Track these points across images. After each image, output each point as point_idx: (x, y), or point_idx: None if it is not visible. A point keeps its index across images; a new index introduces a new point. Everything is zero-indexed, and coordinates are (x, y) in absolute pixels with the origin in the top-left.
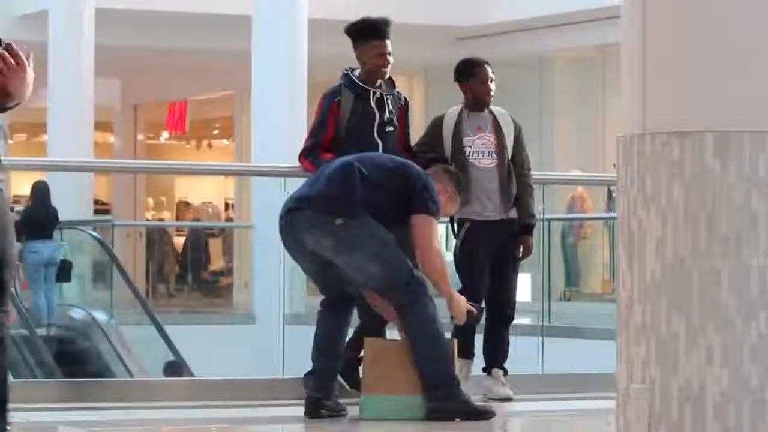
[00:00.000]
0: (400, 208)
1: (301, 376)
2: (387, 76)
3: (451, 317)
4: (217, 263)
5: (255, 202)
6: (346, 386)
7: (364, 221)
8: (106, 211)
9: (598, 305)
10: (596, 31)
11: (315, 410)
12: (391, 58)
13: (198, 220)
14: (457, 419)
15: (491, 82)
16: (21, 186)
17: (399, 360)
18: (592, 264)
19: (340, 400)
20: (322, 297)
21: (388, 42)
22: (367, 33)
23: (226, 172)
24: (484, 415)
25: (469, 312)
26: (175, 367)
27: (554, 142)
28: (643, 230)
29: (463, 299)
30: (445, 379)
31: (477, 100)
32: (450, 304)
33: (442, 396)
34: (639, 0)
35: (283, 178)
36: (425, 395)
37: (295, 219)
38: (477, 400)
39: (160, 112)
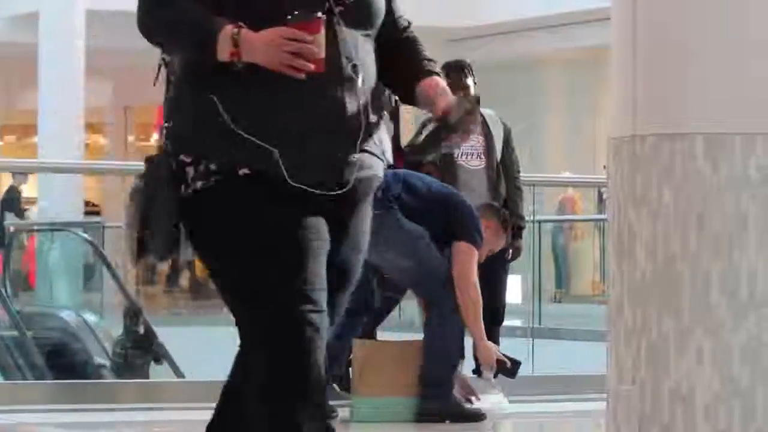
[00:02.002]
0: (436, 235)
1: None
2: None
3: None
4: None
5: None
6: (337, 388)
7: (393, 220)
8: (97, 213)
9: (588, 307)
10: (588, 33)
11: None
12: None
13: None
14: (447, 421)
15: (465, 89)
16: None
17: (389, 362)
18: (583, 266)
19: (331, 403)
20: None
21: None
22: None
23: None
24: (475, 418)
25: (500, 362)
26: (134, 313)
27: (545, 143)
28: (633, 232)
29: (494, 347)
30: (446, 380)
31: None
32: (477, 344)
33: (437, 397)
34: (629, 1)
35: None
36: (421, 393)
37: None
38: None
39: (152, 114)
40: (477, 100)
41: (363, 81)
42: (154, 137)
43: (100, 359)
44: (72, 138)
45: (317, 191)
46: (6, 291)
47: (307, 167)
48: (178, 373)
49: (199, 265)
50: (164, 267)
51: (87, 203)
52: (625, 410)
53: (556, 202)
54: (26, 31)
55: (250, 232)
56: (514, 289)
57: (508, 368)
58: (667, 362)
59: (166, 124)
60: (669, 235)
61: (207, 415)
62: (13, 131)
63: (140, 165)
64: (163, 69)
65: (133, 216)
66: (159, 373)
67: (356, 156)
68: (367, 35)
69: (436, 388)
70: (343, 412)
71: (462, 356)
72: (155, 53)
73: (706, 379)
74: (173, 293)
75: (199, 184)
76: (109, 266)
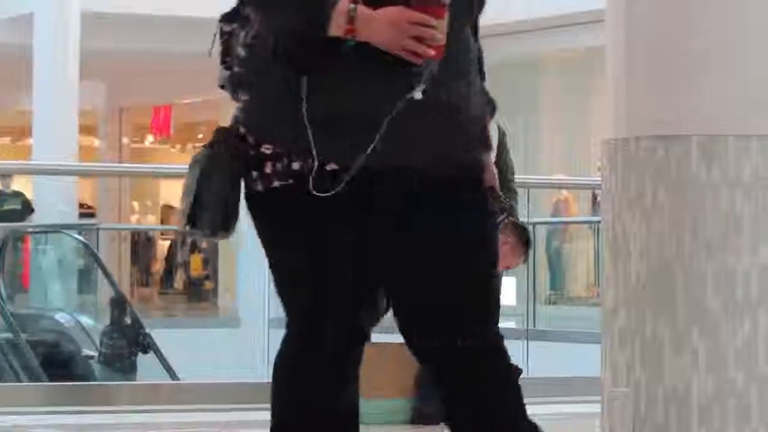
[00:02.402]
0: None
1: None
2: None
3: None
4: (201, 267)
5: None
6: None
7: None
8: (91, 215)
9: (582, 309)
10: (583, 35)
11: None
12: None
13: None
14: (442, 423)
15: None
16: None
17: (384, 363)
18: (577, 267)
19: None
20: None
21: None
22: None
23: None
24: None
25: None
26: (121, 304)
27: (540, 145)
28: (627, 234)
29: None
30: None
31: None
32: None
33: (434, 398)
34: (622, 3)
35: None
36: (415, 397)
37: None
38: None
39: (146, 116)
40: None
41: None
42: (149, 139)
43: (88, 351)
44: (66, 140)
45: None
46: (0, 293)
47: (412, 158)
48: (172, 375)
49: (194, 266)
50: (158, 269)
51: (81, 205)
52: (620, 412)
53: (550, 205)
54: (21, 32)
55: (319, 248)
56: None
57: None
58: (661, 364)
59: (241, 105)
60: (663, 237)
61: (202, 417)
62: (7, 133)
63: (134, 167)
64: (217, 38)
65: (188, 187)
66: (157, 374)
67: (459, 148)
68: (465, 24)
69: (433, 390)
70: None
71: None
72: (149, 55)
73: (701, 381)
74: (168, 295)
75: (276, 183)
76: (103, 268)
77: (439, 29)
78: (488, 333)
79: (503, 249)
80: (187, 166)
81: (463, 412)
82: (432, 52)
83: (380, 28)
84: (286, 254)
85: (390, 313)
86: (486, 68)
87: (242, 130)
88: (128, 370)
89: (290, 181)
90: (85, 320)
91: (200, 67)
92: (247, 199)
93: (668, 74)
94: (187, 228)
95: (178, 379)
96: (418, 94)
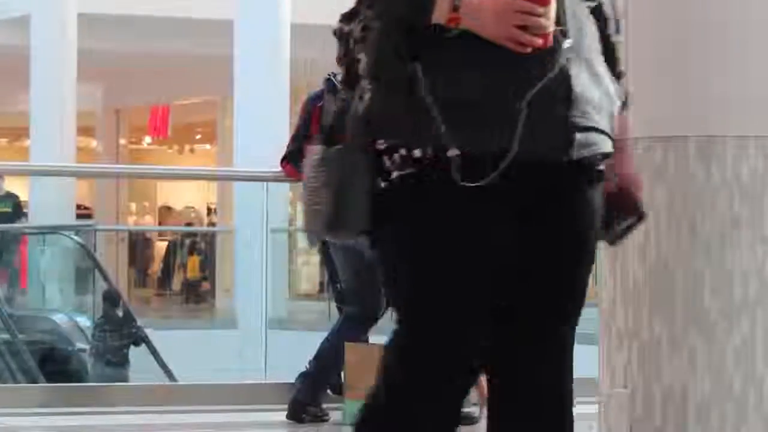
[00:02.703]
0: None
1: (283, 381)
2: None
3: None
4: (199, 268)
5: (237, 207)
6: (329, 391)
7: None
8: (89, 216)
9: None
10: None
11: (297, 414)
12: None
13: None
14: None
15: None
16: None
17: (375, 364)
18: None
19: (324, 406)
20: (309, 302)
21: None
22: None
23: (208, 177)
24: (467, 421)
25: None
26: (113, 297)
27: None
28: None
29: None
30: None
31: None
32: None
33: None
34: (621, 3)
35: (265, 183)
36: None
37: None
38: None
39: (143, 117)
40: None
41: (571, 47)
42: (147, 140)
43: (80, 344)
44: (64, 141)
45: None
46: None
47: (536, 141)
48: (167, 372)
49: (191, 267)
50: (156, 270)
51: (79, 206)
52: (617, 413)
53: None
54: (18, 33)
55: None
56: None
57: None
58: (659, 364)
59: (361, 99)
60: (661, 238)
61: (199, 418)
62: (5, 134)
63: (131, 168)
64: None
65: (327, 186)
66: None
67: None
68: (587, 3)
69: None
70: (334, 416)
71: None
72: (146, 56)
73: (698, 382)
74: (165, 296)
75: (395, 174)
76: (100, 268)
77: (546, 16)
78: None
79: None
80: (186, 168)
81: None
82: (539, 41)
83: (485, 17)
84: (433, 250)
85: (386, 316)
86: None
87: (366, 124)
88: (120, 363)
89: (423, 171)
90: (83, 321)
91: (198, 68)
92: (378, 194)
93: (666, 75)
94: (327, 230)
95: (175, 378)
96: (551, 77)
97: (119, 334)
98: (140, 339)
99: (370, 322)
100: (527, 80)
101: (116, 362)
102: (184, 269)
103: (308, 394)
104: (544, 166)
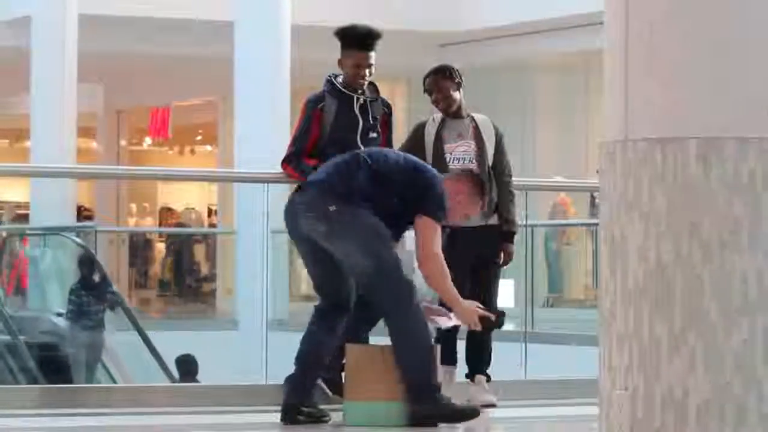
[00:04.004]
0: (404, 207)
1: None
2: (363, 87)
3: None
4: (199, 269)
5: (238, 208)
6: (329, 392)
7: (359, 212)
8: (89, 217)
9: (580, 311)
10: (579, 38)
11: (291, 416)
12: (370, 71)
13: (181, 225)
14: (440, 424)
15: (442, 91)
16: (3, 192)
17: (381, 366)
18: (575, 270)
19: (324, 407)
20: (310, 303)
21: (370, 54)
22: (350, 41)
23: (208, 178)
24: (469, 415)
25: (485, 318)
26: (188, 364)
27: (537, 148)
28: (625, 236)
29: (473, 304)
30: (426, 385)
31: (439, 110)
32: (455, 309)
33: (423, 402)
34: (622, 6)
35: (265, 184)
36: (406, 401)
37: (296, 202)
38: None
39: (143, 118)
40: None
41: None
42: (147, 141)
43: (57, 308)
44: (64, 142)
45: None
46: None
47: None
48: (170, 377)
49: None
50: (157, 271)
51: (79, 208)
52: (618, 415)
53: (548, 207)
54: (19, 35)
55: None
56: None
57: (493, 322)
58: (659, 367)
59: None
60: (661, 240)
61: (200, 419)
62: (5, 136)
63: (132, 169)
64: None
65: None
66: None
67: None
68: None
69: (419, 397)
70: (335, 417)
71: (453, 363)
72: (147, 57)
73: (698, 384)
74: (166, 297)
75: None
76: (100, 269)
77: None
78: None
79: (459, 198)
80: (186, 169)
81: None
82: None
83: None
84: None
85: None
86: (480, 70)
87: None
88: (96, 326)
89: None
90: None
91: (198, 70)
92: None
93: (666, 76)
94: None
95: (173, 378)
96: None
97: (95, 298)
98: (116, 303)
99: (338, 312)
100: None
101: (92, 326)
102: (184, 271)
103: (295, 395)
104: None
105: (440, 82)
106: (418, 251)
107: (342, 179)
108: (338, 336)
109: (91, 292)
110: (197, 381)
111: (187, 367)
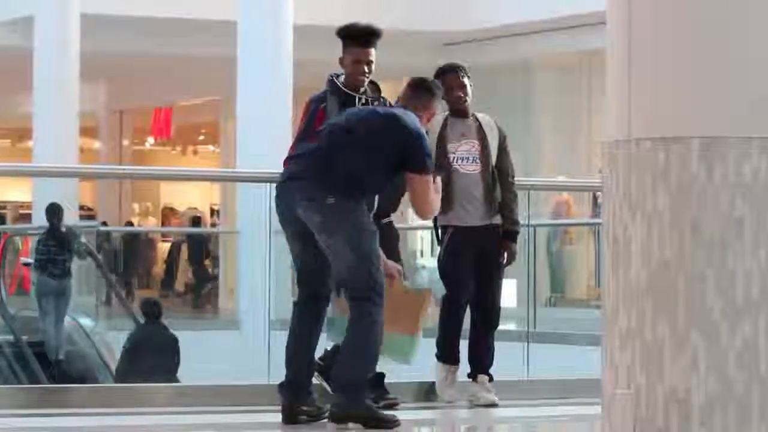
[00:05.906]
0: (388, 163)
1: None
2: (364, 84)
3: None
4: (202, 269)
5: (240, 208)
6: (329, 389)
7: (354, 207)
8: (92, 217)
9: (583, 311)
10: (582, 37)
11: (291, 417)
12: (370, 68)
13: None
14: (359, 425)
15: (463, 87)
16: (6, 192)
17: (391, 303)
18: (578, 270)
19: (320, 406)
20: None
21: (370, 51)
22: (350, 39)
23: (211, 178)
24: (387, 423)
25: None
26: (150, 305)
27: (540, 147)
28: (628, 235)
29: (395, 268)
30: (361, 385)
31: (450, 108)
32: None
33: (345, 398)
34: (624, 6)
35: (268, 184)
36: (337, 393)
37: (291, 188)
38: (463, 406)
39: (146, 118)
40: None
41: None
42: (150, 141)
43: (25, 259)
44: (67, 142)
45: None
46: (1, 295)
47: None
48: (135, 321)
49: (194, 268)
50: (159, 271)
51: (82, 207)
52: (621, 414)
53: (550, 206)
54: (21, 34)
55: None
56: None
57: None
58: (662, 366)
59: None
60: (664, 239)
61: (201, 419)
62: (8, 135)
63: (134, 169)
64: None
65: None
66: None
67: None
68: None
69: (343, 392)
70: None
71: (456, 362)
72: (149, 57)
73: (701, 383)
74: (168, 297)
75: None
76: (102, 269)
77: None
78: None
79: (425, 115)
80: (189, 169)
81: None
82: None
83: None
84: None
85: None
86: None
87: None
88: (62, 275)
89: None
90: (85, 321)
91: (200, 70)
92: None
93: (669, 77)
94: None
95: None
96: None
97: (62, 249)
98: (85, 253)
99: (317, 303)
100: None
101: (58, 274)
102: (187, 270)
103: (293, 397)
104: None
105: (457, 78)
106: (414, 204)
107: (336, 171)
108: (320, 326)
109: (58, 243)
110: (162, 323)
111: (150, 308)
